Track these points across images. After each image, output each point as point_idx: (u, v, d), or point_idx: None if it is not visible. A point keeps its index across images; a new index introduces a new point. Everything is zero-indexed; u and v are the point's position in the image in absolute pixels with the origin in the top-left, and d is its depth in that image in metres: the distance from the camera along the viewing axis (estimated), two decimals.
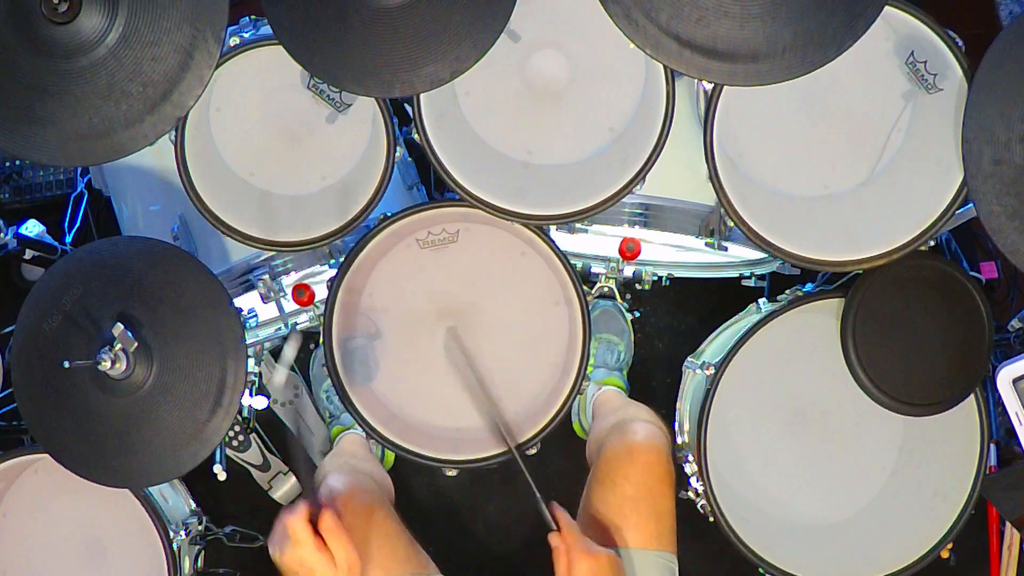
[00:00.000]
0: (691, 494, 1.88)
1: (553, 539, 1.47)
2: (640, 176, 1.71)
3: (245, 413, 2.08)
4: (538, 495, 1.49)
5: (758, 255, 1.98)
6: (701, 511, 1.86)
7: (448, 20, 1.53)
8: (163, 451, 1.60)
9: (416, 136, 1.70)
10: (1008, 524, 1.98)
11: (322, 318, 1.82)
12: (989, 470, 1.80)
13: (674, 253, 2.08)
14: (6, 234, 2.10)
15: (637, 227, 1.86)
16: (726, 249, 1.87)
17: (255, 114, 1.79)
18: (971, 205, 1.60)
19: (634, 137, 1.76)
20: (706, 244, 1.84)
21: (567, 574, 1.46)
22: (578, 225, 1.82)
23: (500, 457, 1.84)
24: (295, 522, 1.35)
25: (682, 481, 1.88)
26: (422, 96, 1.67)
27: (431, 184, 2.12)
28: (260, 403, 1.99)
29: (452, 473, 1.87)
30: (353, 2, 1.53)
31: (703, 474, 1.81)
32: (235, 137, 1.80)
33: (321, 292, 1.90)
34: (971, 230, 2.14)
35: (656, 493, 1.68)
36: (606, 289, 2.18)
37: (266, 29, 1.73)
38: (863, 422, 1.89)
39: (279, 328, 2.05)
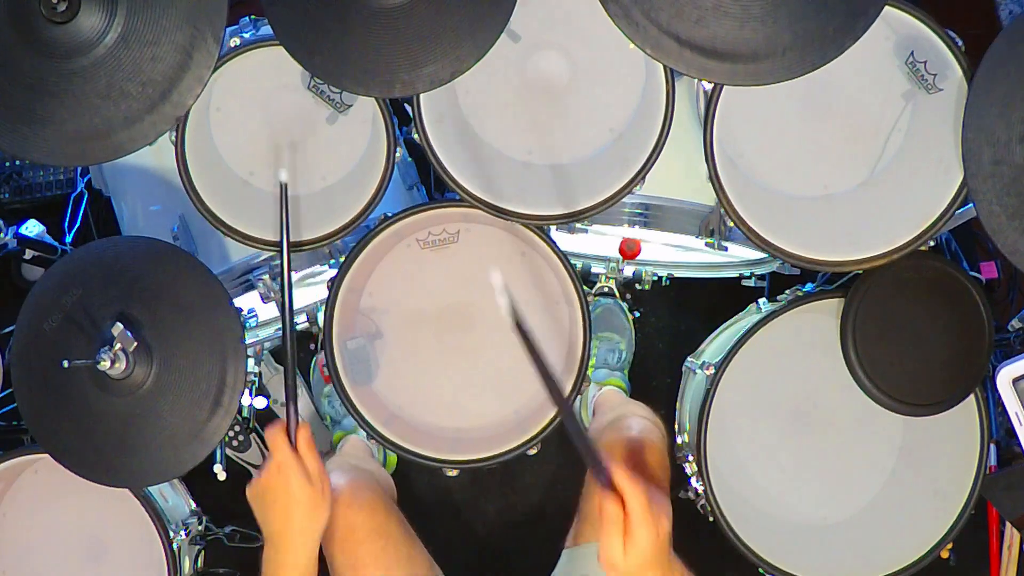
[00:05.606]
0: (691, 494, 1.88)
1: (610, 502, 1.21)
2: (640, 176, 1.71)
3: (245, 413, 2.08)
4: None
5: (758, 255, 1.98)
6: (701, 511, 1.86)
7: (448, 20, 1.53)
8: (163, 451, 1.59)
9: (416, 136, 1.70)
10: (1008, 524, 1.98)
11: (322, 318, 1.83)
12: (989, 470, 1.80)
13: (674, 253, 2.07)
14: (6, 234, 2.10)
15: (637, 227, 1.86)
16: (726, 249, 1.87)
17: (255, 114, 1.79)
18: (971, 205, 1.60)
19: (634, 137, 1.75)
20: (706, 244, 1.84)
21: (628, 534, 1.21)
22: (578, 225, 1.82)
23: (500, 457, 1.84)
24: (275, 432, 1.41)
25: (682, 481, 1.88)
26: (422, 96, 1.67)
27: (431, 184, 2.11)
28: (260, 403, 1.99)
29: (452, 473, 1.87)
30: (353, 2, 1.53)
31: (703, 474, 1.81)
32: (235, 137, 1.79)
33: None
34: (971, 230, 2.13)
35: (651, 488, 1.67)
36: (606, 288, 2.18)
37: (266, 29, 1.73)
38: (863, 422, 1.89)
39: (279, 328, 2.05)
